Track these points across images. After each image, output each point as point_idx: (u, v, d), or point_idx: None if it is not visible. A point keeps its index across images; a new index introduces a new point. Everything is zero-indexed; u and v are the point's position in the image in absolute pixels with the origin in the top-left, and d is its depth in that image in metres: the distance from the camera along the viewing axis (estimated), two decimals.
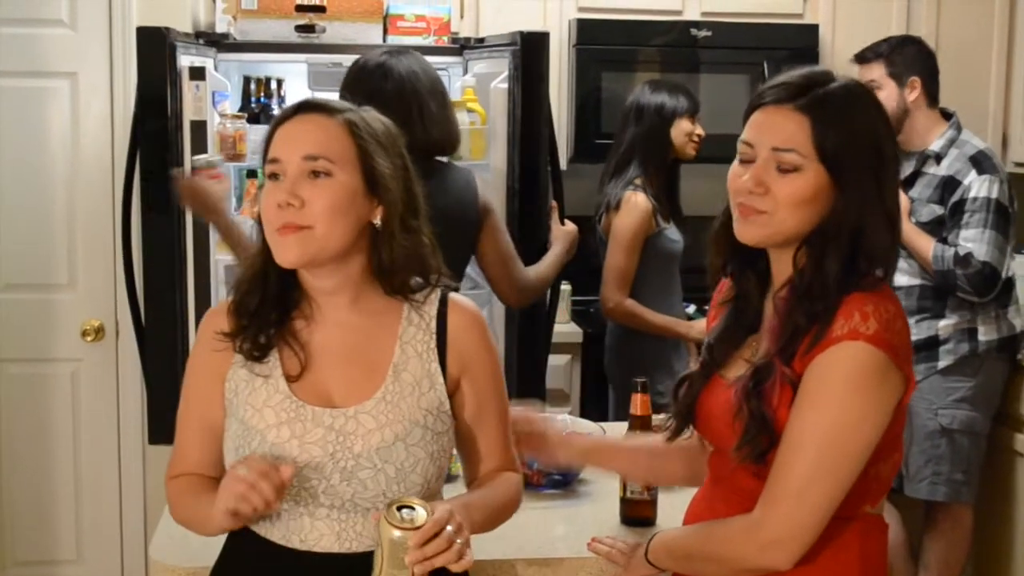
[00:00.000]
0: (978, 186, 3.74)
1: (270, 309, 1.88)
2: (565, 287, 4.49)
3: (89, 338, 4.05)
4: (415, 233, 1.88)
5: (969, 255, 3.70)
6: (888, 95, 3.82)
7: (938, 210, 3.81)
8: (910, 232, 3.75)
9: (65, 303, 4.08)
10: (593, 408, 4.23)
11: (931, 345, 3.87)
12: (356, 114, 1.87)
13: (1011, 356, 3.96)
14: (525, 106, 3.60)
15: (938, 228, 3.81)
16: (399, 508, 1.72)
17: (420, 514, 1.71)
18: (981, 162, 3.80)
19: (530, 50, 3.62)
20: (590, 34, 4.50)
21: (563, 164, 4.61)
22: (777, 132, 1.78)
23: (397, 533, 1.69)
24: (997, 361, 3.93)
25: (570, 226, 3.56)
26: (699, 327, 3.75)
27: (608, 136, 4.14)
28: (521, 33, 3.63)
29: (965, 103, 4.06)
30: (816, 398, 1.73)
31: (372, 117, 1.90)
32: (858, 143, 1.77)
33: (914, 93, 3.86)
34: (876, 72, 3.86)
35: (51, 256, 4.08)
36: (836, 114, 1.77)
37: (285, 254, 1.80)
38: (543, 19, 4.53)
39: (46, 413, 4.11)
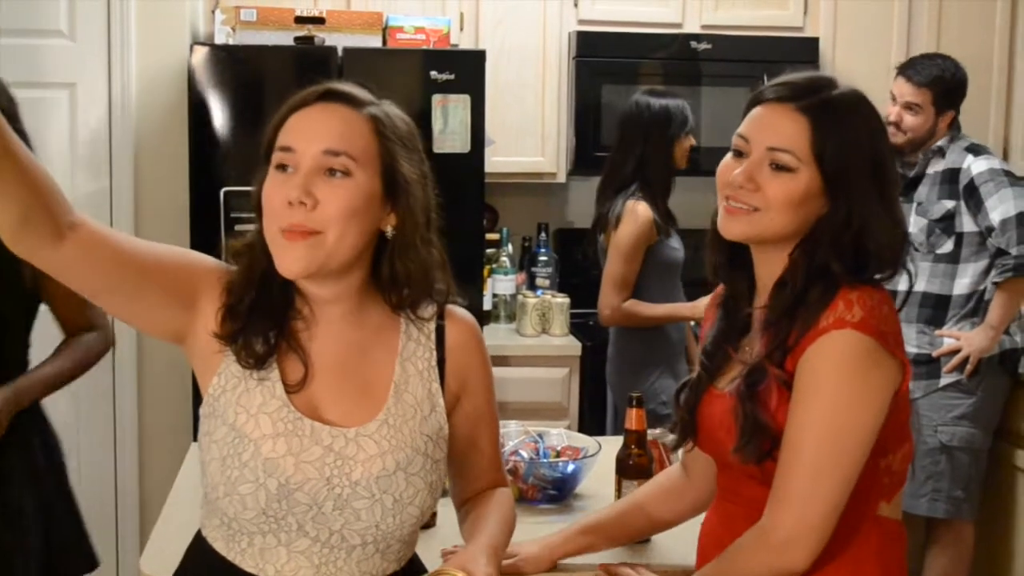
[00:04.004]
0: (978, 165, 3.81)
1: (267, 313, 1.70)
2: (563, 299, 4.49)
3: None
4: (429, 246, 1.74)
5: (1004, 221, 3.72)
6: (924, 121, 3.87)
7: (948, 204, 3.83)
8: (996, 316, 3.80)
9: None
10: (591, 421, 4.22)
11: (931, 361, 3.86)
12: (380, 108, 1.71)
13: (1012, 371, 3.93)
14: None
15: (950, 223, 3.84)
16: None
17: None
18: (976, 148, 3.89)
19: None
20: (590, 46, 4.50)
21: (562, 176, 4.63)
22: (776, 130, 1.77)
23: None
24: (997, 377, 3.91)
25: None
26: (703, 306, 3.70)
27: (608, 148, 4.12)
28: None
29: (966, 115, 4.04)
30: (809, 391, 1.71)
31: (395, 113, 1.73)
32: (856, 151, 1.76)
33: (944, 122, 3.90)
34: (923, 97, 3.87)
35: None
36: (837, 120, 1.77)
37: (290, 263, 1.63)
38: (543, 31, 4.53)
39: None
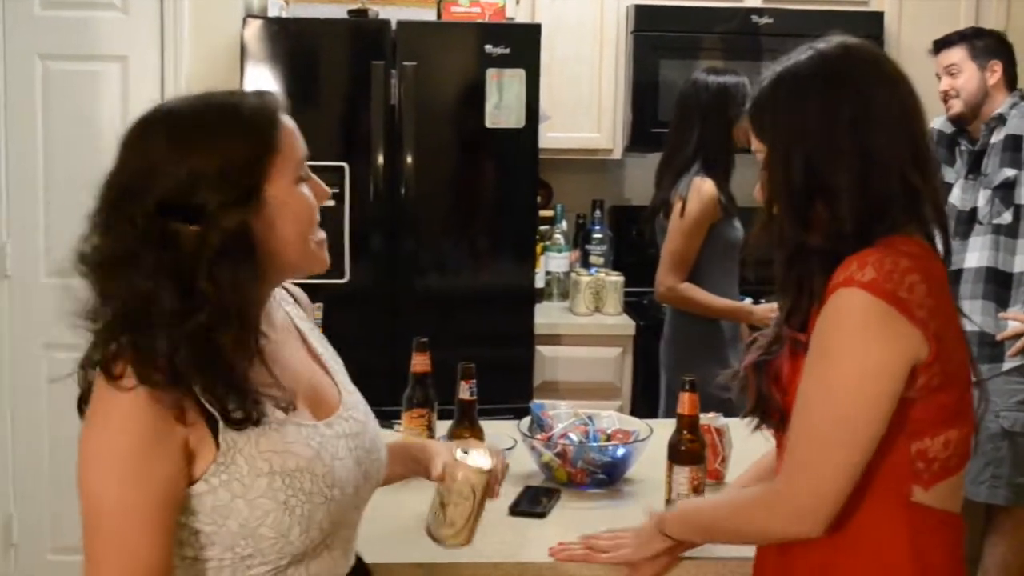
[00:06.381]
0: None
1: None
2: (617, 278, 4.43)
3: None
4: None
5: None
6: (969, 77, 3.81)
7: (1008, 172, 3.72)
8: None
9: None
10: (644, 402, 4.16)
11: (995, 344, 3.76)
12: None
13: None
14: None
15: (1009, 192, 3.73)
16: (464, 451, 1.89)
17: (476, 450, 1.90)
18: None
19: None
20: (648, 20, 4.43)
21: (618, 153, 4.56)
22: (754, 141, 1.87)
23: (479, 475, 1.85)
24: None
25: None
26: (761, 311, 3.64)
27: (665, 124, 4.04)
28: None
29: None
30: (816, 354, 1.69)
31: None
32: (791, 134, 1.77)
33: (995, 76, 3.81)
34: (957, 55, 3.83)
35: None
36: (767, 111, 1.83)
37: (324, 264, 1.65)
38: (600, 4, 4.47)
39: None
